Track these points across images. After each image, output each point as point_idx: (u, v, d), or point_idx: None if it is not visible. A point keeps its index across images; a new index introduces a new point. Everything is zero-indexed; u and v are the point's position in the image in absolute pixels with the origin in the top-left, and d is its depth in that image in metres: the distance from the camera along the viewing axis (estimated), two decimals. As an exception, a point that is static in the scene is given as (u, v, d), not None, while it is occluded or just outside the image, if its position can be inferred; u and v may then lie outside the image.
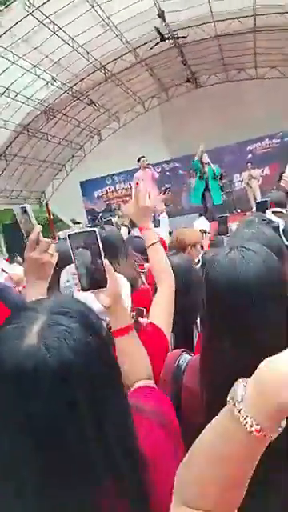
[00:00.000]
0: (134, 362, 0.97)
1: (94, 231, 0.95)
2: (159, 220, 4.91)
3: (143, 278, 2.11)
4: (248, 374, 0.44)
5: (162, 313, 1.24)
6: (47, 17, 8.03)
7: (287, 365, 0.41)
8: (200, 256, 2.62)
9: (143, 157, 8.17)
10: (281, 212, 2.73)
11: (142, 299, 1.38)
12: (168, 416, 0.75)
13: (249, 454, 0.44)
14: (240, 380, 0.45)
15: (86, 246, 0.95)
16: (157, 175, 8.35)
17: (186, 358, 0.98)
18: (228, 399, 0.45)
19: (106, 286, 0.95)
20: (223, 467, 0.45)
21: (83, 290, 0.97)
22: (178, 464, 0.51)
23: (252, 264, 0.75)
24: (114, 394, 0.58)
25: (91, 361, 0.54)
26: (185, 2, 8.73)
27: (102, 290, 0.95)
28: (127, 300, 1.14)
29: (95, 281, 0.95)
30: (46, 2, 7.65)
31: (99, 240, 0.95)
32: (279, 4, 8.69)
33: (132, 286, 1.75)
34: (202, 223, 6.75)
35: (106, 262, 0.95)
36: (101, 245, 0.95)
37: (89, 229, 0.98)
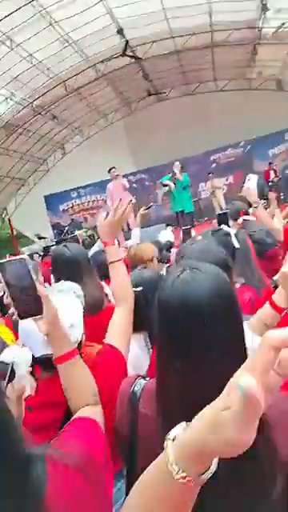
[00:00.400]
0: (79, 387, 0.96)
1: (24, 259, 0.96)
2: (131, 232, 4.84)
3: (110, 296, 2.07)
4: (202, 398, 0.43)
5: (119, 333, 1.21)
6: (4, 33, 7.86)
7: (215, 415, 0.40)
8: (164, 270, 2.68)
9: (113, 167, 8.19)
10: (248, 220, 2.92)
11: (107, 319, 1.38)
12: (92, 458, 0.73)
13: (178, 498, 0.44)
14: (183, 422, 0.45)
15: (17, 275, 0.95)
16: (127, 185, 8.42)
17: (141, 383, 0.96)
18: (165, 437, 0.45)
19: (41, 313, 0.94)
20: (158, 510, 0.46)
21: (19, 317, 0.97)
22: (101, 507, 0.50)
23: (203, 285, 0.76)
24: (3, 454, 0.55)
25: None
26: (143, 18, 8.81)
27: (37, 317, 0.95)
28: (79, 326, 1.13)
29: (30, 308, 0.95)
30: (2, 19, 7.49)
31: (30, 267, 0.95)
32: (234, 20, 8.97)
33: (97, 306, 1.73)
34: (167, 234, 6.81)
35: (39, 288, 0.95)
36: (32, 272, 0.95)
37: (18, 257, 0.97)
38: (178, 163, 9.17)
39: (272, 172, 11.65)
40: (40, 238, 12.76)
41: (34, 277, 0.95)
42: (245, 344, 0.78)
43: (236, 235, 1.90)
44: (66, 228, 13.39)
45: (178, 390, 0.75)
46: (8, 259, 0.97)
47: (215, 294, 0.76)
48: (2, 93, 9.57)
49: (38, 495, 0.56)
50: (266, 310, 1.24)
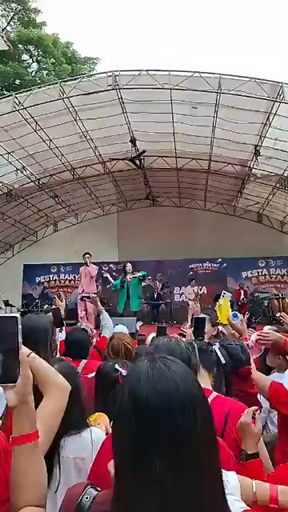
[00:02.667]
0: (29, 479, 0.82)
1: (16, 317, 0.85)
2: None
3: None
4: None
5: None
6: (32, 117, 8.92)
7: None
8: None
9: (88, 253, 8.51)
10: None
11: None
12: None
13: None
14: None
15: (3, 334, 0.84)
16: (94, 273, 8.51)
17: (91, 493, 0.79)
18: None
19: (15, 382, 0.82)
20: None
21: None
22: None
23: (177, 374, 0.71)
24: None
25: None
26: (155, 136, 10.19)
27: (10, 385, 0.83)
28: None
29: (5, 373, 0.83)
30: (34, 106, 8.58)
31: (19, 328, 0.84)
32: (230, 156, 10.47)
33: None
34: (121, 328, 6.93)
35: (22, 353, 0.84)
36: (20, 334, 0.84)
37: (9, 314, 0.88)
38: (129, 265, 8.67)
39: (242, 292, 12.38)
40: (7, 304, 12.52)
41: (20, 339, 0.84)
42: (218, 446, 0.73)
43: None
44: (37, 300, 13.30)
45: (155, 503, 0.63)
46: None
47: (191, 379, 0.72)
48: (15, 164, 10.41)
49: None
50: (263, 491, 1.14)
